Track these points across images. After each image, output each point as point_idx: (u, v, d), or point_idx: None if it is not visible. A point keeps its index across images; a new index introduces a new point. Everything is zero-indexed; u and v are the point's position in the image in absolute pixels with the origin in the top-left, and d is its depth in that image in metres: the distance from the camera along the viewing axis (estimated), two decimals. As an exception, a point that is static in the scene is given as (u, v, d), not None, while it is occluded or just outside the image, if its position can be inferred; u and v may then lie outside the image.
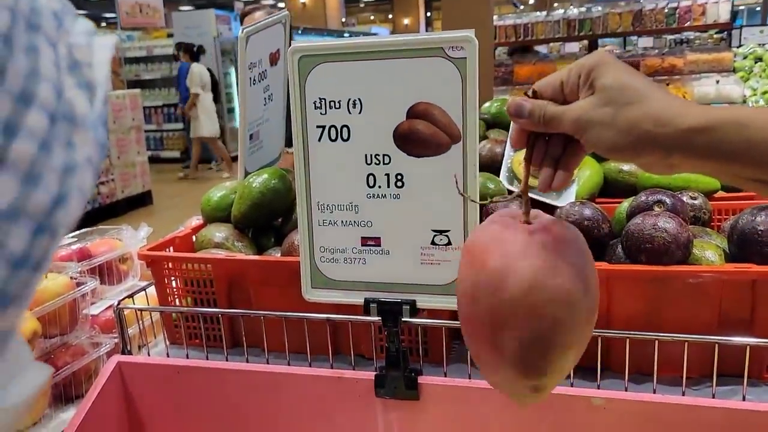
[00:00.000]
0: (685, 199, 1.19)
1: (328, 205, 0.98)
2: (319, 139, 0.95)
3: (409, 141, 0.91)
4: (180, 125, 10.94)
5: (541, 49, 6.78)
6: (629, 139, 0.55)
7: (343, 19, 19.56)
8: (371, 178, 0.95)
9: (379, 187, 0.95)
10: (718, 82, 4.46)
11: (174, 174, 9.81)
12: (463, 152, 0.89)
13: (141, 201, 7.88)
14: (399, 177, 0.93)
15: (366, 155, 0.94)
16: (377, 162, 0.94)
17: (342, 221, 0.98)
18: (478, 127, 0.90)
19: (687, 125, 0.53)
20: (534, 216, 0.66)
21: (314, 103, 0.94)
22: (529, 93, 0.62)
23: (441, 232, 0.94)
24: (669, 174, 0.59)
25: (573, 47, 6.96)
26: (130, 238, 1.43)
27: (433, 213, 0.93)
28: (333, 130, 0.94)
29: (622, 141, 0.55)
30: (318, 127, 0.95)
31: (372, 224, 0.96)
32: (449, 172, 0.91)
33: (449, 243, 0.94)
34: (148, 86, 11.01)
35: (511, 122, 0.64)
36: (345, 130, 0.94)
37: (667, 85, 4.58)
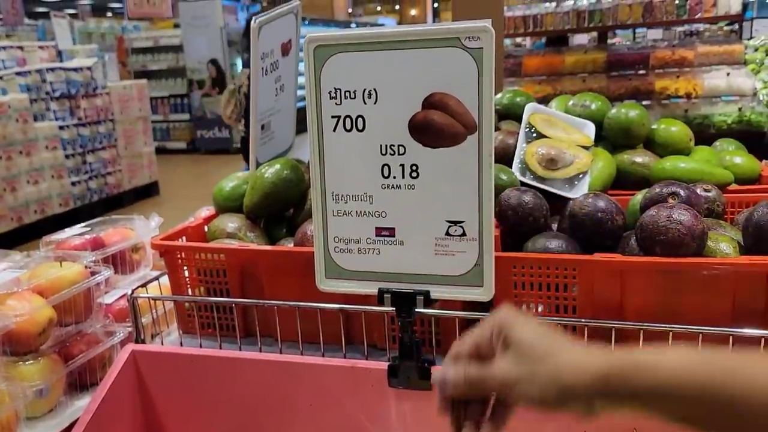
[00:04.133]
0: (698, 191, 1.19)
1: (342, 195, 0.98)
2: (334, 130, 0.95)
3: (425, 132, 0.91)
4: (186, 116, 10.95)
5: (581, 39, 6.71)
6: (553, 392, 0.58)
7: (350, 10, 19.48)
8: (386, 168, 0.94)
9: (394, 177, 0.94)
10: (728, 74, 4.42)
11: (181, 165, 9.83)
12: (479, 143, 0.89)
13: (148, 192, 7.90)
14: (414, 168, 0.93)
15: (381, 146, 0.94)
16: (392, 152, 0.93)
17: (356, 211, 0.98)
18: (494, 118, 0.90)
19: (600, 373, 0.56)
20: None
21: (329, 93, 0.94)
22: (449, 360, 0.67)
23: (455, 222, 0.94)
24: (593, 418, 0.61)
25: (582, 39, 6.91)
26: (141, 228, 1.43)
27: (448, 203, 0.93)
28: (348, 121, 0.94)
29: (547, 394, 0.58)
30: (333, 117, 0.95)
31: (386, 215, 0.96)
32: (464, 163, 0.91)
33: (464, 234, 0.94)
34: (155, 77, 11.01)
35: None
36: (360, 120, 0.94)
37: (678, 77, 4.54)
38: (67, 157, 6.55)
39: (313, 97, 0.95)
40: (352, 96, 0.93)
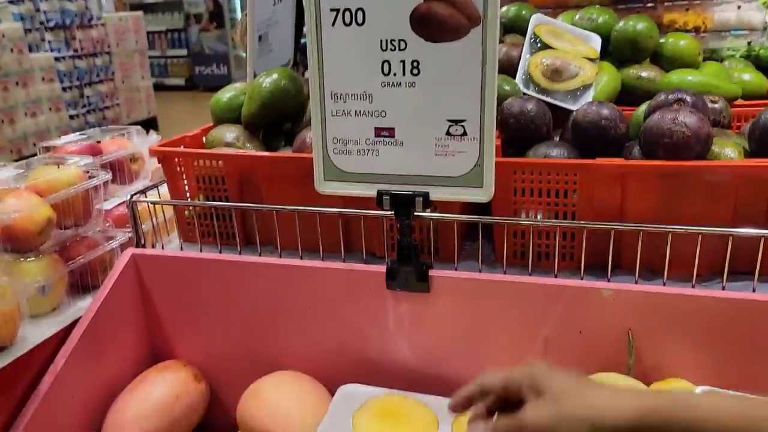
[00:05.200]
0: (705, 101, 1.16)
1: (341, 95, 0.96)
2: (333, 24, 0.92)
3: (427, 24, 0.88)
4: (184, 51, 10.71)
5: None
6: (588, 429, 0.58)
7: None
8: (386, 65, 0.92)
9: (394, 74, 0.92)
10: (739, 7, 4.30)
11: (179, 102, 9.69)
12: (483, 36, 0.87)
13: (146, 127, 7.79)
14: (415, 64, 0.91)
15: (381, 41, 0.91)
16: (392, 48, 0.91)
17: (355, 111, 0.96)
18: (499, 10, 0.87)
19: (638, 413, 0.57)
20: None
21: (328, -17, 0.91)
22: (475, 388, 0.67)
23: (457, 122, 0.92)
24: None
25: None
26: (139, 139, 1.42)
27: (449, 102, 0.91)
28: (347, 14, 0.91)
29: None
30: (332, 10, 0.92)
31: (386, 114, 0.95)
32: (467, 59, 0.88)
33: (465, 133, 0.92)
34: (151, 10, 10.71)
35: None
36: (360, 13, 0.91)
37: (687, 10, 4.42)
38: (64, 89, 6.44)
39: (312, -11, 0.92)
40: (352, -14, 0.90)
